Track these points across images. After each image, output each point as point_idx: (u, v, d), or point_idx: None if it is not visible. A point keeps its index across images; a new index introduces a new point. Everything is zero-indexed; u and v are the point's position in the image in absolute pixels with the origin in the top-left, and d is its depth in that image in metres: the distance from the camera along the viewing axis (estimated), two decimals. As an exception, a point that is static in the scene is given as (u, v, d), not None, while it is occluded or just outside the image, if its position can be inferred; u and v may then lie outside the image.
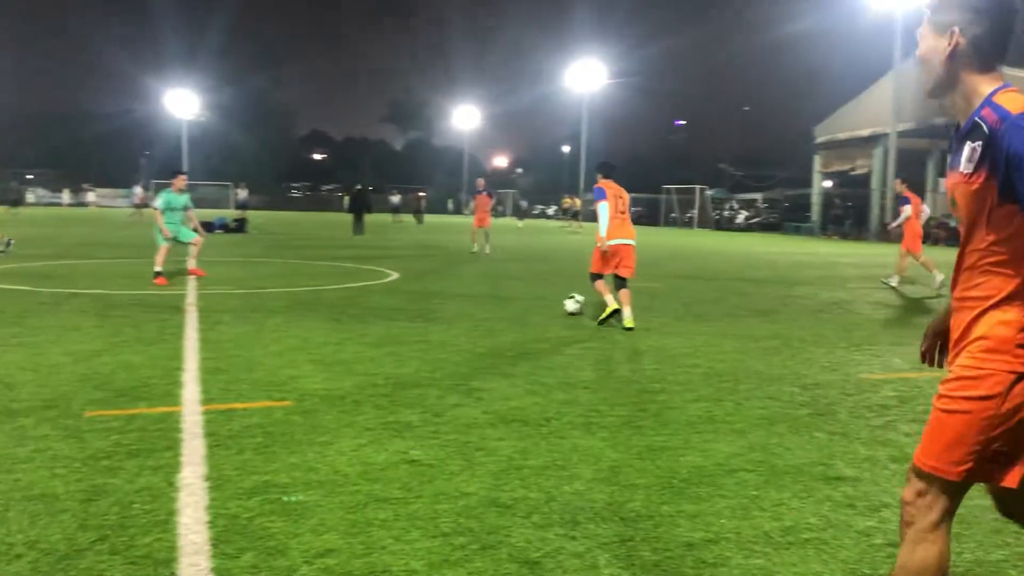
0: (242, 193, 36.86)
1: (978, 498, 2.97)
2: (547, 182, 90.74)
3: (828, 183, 50.64)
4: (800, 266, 20.02)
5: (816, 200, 47.52)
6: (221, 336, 7.81)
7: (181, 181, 12.70)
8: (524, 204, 76.07)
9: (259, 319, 8.91)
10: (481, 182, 22.59)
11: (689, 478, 4.11)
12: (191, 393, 5.58)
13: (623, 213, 9.19)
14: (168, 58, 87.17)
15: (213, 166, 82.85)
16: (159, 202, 12.44)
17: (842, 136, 44.99)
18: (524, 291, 12.46)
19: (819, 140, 47.49)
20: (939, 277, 13.73)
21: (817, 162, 47.70)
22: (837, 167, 46.83)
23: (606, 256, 8.99)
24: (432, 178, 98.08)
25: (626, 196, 9.33)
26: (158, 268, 12.10)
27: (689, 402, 5.69)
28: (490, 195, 21.75)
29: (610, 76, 70.24)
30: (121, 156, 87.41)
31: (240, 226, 29.68)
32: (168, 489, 3.80)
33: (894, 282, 14.35)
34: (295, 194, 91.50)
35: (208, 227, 28.57)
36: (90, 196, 76.39)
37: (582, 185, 61.45)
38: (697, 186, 56.00)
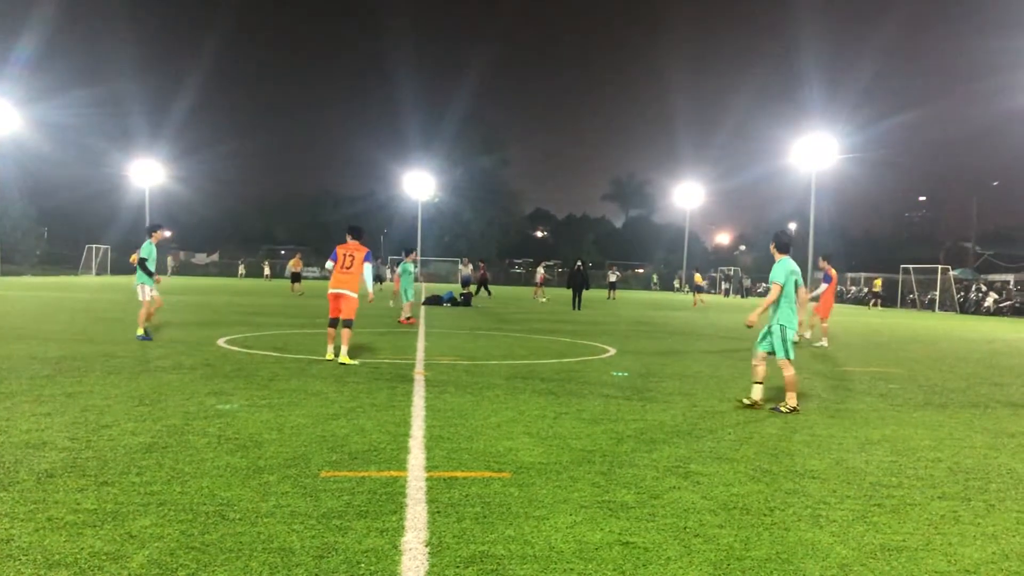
0: (465, 270, 38.74)
1: None
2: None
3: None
4: (1063, 355, 17.97)
5: (1082, 281, 42.73)
6: (445, 405, 8.12)
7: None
8: (748, 282, 74.33)
9: (480, 390, 9.19)
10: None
11: (932, 585, 3.75)
12: (416, 459, 5.82)
13: (347, 268, 11.63)
14: (407, 144, 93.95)
15: (445, 243, 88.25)
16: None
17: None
18: (742, 370, 12.02)
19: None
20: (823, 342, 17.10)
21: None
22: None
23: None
24: (652, 255, 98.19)
25: (357, 255, 11.66)
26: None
27: (931, 499, 5.22)
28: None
29: (842, 151, 67.63)
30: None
31: (466, 300, 31.05)
32: (392, 552, 3.95)
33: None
34: (517, 270, 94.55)
35: (437, 300, 30.35)
36: None
37: (810, 263, 58.98)
38: (939, 266, 52.16)
